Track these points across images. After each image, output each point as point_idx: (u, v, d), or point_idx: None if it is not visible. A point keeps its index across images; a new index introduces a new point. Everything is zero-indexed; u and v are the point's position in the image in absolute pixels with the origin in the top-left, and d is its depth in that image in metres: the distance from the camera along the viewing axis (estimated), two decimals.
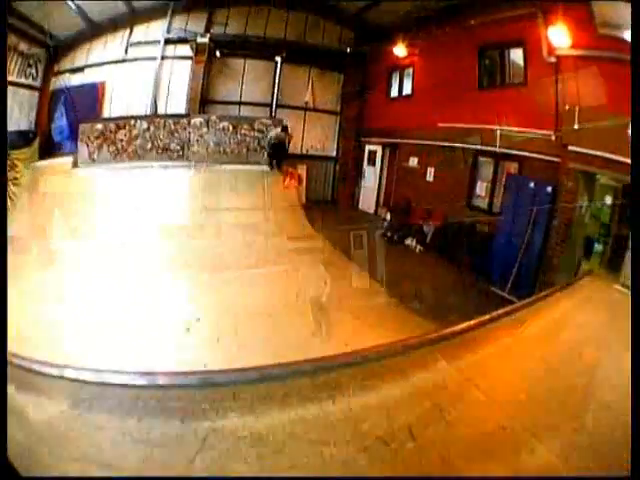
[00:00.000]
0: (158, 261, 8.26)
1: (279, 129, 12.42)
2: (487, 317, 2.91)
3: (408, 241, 11.15)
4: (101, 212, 10.21)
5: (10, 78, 12.00)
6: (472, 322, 2.88)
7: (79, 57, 13.48)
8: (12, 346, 3.37)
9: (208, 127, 12.57)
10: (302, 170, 13.59)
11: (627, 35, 6.40)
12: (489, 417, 2.01)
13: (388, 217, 12.46)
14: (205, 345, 5.19)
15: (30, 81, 13.01)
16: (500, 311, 3.01)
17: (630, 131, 5.91)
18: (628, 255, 5.86)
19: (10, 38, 11.54)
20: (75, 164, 12.14)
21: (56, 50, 13.41)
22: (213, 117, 12.69)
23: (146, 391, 2.17)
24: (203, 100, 13.27)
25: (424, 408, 1.92)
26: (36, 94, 13.35)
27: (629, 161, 6.05)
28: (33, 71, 13.05)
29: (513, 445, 1.93)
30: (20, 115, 12.85)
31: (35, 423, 2.17)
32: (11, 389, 2.35)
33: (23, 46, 12.30)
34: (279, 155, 11.88)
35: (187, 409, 1.97)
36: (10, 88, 11.90)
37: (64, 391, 2.36)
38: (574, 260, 7.66)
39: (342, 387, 1.99)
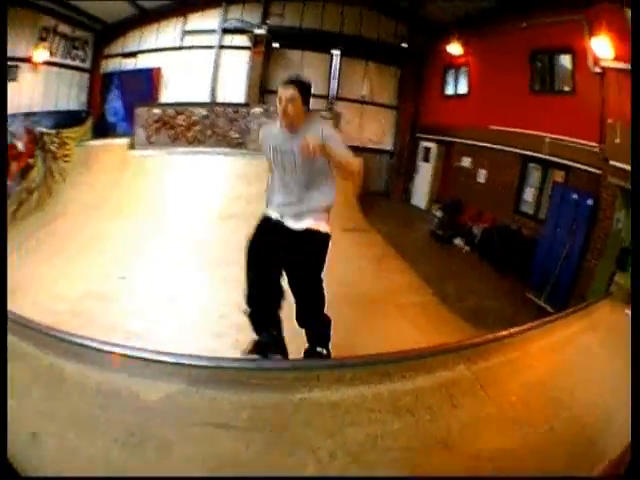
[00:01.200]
0: (206, 248, 8.57)
1: None
2: (504, 333, 3.72)
3: (457, 240, 11.58)
4: (155, 194, 10.88)
5: (53, 59, 13.04)
6: (490, 336, 3.71)
7: (130, 42, 14.50)
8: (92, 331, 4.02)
9: (267, 116, 13.15)
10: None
11: None
12: (483, 407, 2.90)
13: (439, 214, 12.80)
14: (239, 330, 5.29)
15: (78, 63, 14.06)
16: (513, 330, 3.80)
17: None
18: None
19: (48, 20, 12.56)
20: (132, 146, 12.96)
21: (104, 34, 14.41)
22: (272, 107, 13.05)
23: (254, 372, 3.12)
24: (262, 90, 13.98)
25: (441, 395, 2.89)
26: (86, 76, 14.42)
27: None
28: (80, 53, 14.05)
29: (496, 428, 2.85)
30: (69, 95, 13.89)
31: (151, 402, 2.67)
32: (123, 376, 2.83)
33: (64, 28, 13.20)
34: None
35: (284, 385, 2.91)
36: (54, 69, 13.06)
37: (181, 374, 2.90)
38: (608, 273, 7.89)
39: (390, 376, 2.92)
